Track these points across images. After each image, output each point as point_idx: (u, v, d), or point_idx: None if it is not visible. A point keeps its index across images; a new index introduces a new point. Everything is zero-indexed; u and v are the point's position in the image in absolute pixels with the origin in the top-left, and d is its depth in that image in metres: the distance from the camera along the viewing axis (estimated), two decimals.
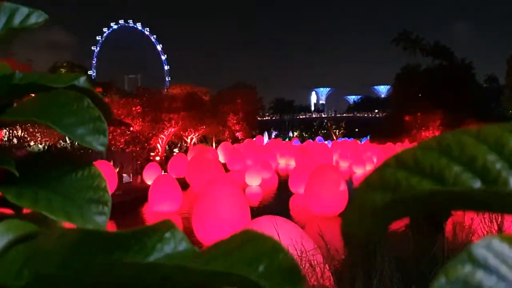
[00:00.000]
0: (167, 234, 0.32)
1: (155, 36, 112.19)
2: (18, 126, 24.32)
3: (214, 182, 10.30)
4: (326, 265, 4.87)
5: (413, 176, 0.28)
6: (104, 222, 0.48)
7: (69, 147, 25.75)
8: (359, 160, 29.68)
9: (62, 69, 48.87)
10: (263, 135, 75.96)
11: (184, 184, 18.49)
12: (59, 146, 25.95)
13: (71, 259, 0.31)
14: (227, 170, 28.11)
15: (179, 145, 45.83)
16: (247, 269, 0.27)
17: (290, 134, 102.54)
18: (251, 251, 0.28)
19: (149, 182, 22.20)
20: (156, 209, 14.88)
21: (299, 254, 4.97)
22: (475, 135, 0.27)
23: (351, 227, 0.31)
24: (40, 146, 25.36)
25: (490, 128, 0.27)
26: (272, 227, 5.58)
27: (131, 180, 23.98)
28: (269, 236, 0.30)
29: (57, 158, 0.52)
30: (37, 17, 0.56)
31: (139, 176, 24.54)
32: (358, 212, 0.30)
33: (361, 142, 60.91)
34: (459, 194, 0.27)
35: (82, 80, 0.50)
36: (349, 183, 16.56)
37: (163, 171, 25.23)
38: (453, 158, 0.27)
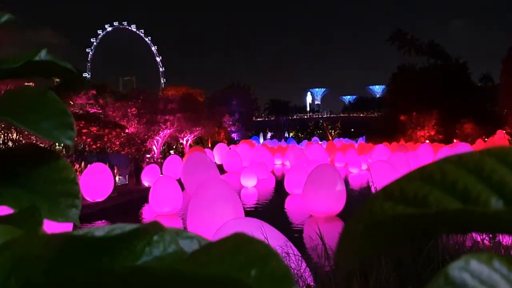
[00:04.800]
0: (156, 237, 0.32)
1: (150, 37, 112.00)
2: (13, 129, 24.22)
3: (207, 183, 10.27)
4: (307, 270, 4.86)
5: (399, 205, 0.29)
6: (75, 214, 0.46)
7: (63, 149, 25.64)
8: (355, 161, 29.73)
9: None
10: (258, 136, 76.00)
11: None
12: (54, 148, 25.82)
13: (58, 265, 0.30)
14: (223, 171, 28.08)
15: (174, 146, 45.74)
16: (240, 274, 0.27)
17: (286, 134, 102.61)
18: (243, 256, 0.28)
19: (146, 184, 22.18)
20: (157, 210, 14.87)
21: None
22: (456, 161, 0.28)
23: (342, 253, 0.32)
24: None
25: (470, 153, 0.29)
26: (244, 230, 5.55)
27: (127, 182, 23.91)
28: (261, 241, 0.29)
29: (24, 154, 0.50)
30: (5, 18, 0.57)
31: (134, 178, 24.46)
32: (347, 240, 0.31)
33: (356, 142, 60.91)
34: (439, 215, 0.27)
35: (43, 54, 0.48)
36: (346, 183, 16.54)
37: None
38: (435, 184, 0.28)
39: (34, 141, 24.68)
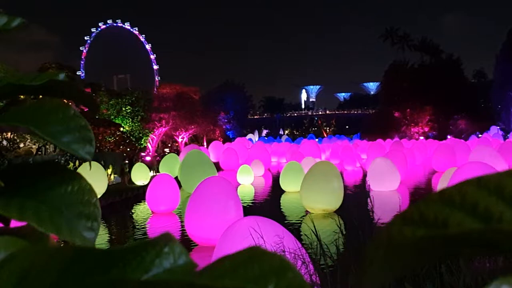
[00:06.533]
0: (166, 249, 0.32)
1: (144, 35, 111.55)
2: None
3: (207, 181, 10.27)
4: (311, 265, 4.88)
5: (419, 229, 0.28)
6: (93, 238, 0.46)
7: (52, 150, 25.52)
8: (350, 158, 29.79)
9: (50, 70, 48.40)
10: (253, 134, 76.01)
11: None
12: (47, 147, 25.72)
13: (66, 277, 0.30)
14: (219, 169, 28.07)
15: (169, 144, 45.66)
16: (255, 286, 0.27)
17: (281, 132, 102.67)
18: (258, 269, 0.27)
19: (137, 182, 22.09)
20: (154, 208, 14.80)
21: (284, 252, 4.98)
22: (475, 183, 0.28)
23: (365, 278, 0.31)
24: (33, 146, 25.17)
25: (489, 175, 0.29)
26: (255, 227, 5.58)
27: (120, 180, 23.84)
28: (276, 254, 0.29)
29: (46, 169, 0.51)
30: (17, 22, 0.58)
31: (128, 176, 24.38)
32: (369, 265, 0.31)
33: (351, 139, 61.01)
34: (461, 236, 0.27)
35: (62, 76, 0.50)
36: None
37: (153, 172, 25.14)
38: (455, 206, 0.28)
39: (28, 141, 24.57)
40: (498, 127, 55.65)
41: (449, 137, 50.97)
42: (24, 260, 0.32)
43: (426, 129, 58.62)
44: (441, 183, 11.72)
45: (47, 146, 26.24)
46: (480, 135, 49.69)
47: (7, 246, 0.36)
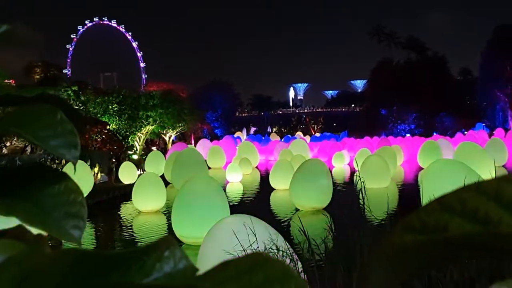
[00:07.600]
0: (166, 253, 0.32)
1: (130, 33, 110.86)
2: None
3: (193, 179, 10.28)
4: (299, 262, 4.91)
5: (420, 236, 0.29)
6: (79, 236, 0.48)
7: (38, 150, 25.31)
8: (338, 155, 29.98)
9: (36, 69, 47.86)
10: (242, 131, 76.00)
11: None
12: (31, 147, 25.46)
13: (67, 281, 0.30)
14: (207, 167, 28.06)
15: (157, 143, 45.47)
16: None
17: (269, 129, 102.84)
18: (262, 276, 0.28)
19: (124, 181, 21.98)
20: (140, 207, 14.72)
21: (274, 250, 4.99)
22: (474, 189, 0.29)
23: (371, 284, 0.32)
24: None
25: (488, 181, 0.29)
26: (241, 225, 5.59)
27: (107, 179, 23.69)
28: (279, 260, 0.29)
29: (34, 172, 0.52)
30: (3, 29, 0.63)
31: (115, 175, 24.25)
32: (373, 271, 0.31)
33: (339, 136, 61.31)
34: (461, 239, 0.28)
35: (51, 91, 0.55)
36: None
37: (140, 170, 25.02)
38: (455, 212, 0.29)
39: (15, 139, 24.30)
40: (484, 124, 56.41)
41: (435, 134, 51.50)
42: (25, 263, 0.32)
43: (413, 126, 59.22)
44: (424, 180, 11.76)
45: (33, 146, 25.98)
46: (465, 132, 50.26)
47: (6, 249, 0.36)
